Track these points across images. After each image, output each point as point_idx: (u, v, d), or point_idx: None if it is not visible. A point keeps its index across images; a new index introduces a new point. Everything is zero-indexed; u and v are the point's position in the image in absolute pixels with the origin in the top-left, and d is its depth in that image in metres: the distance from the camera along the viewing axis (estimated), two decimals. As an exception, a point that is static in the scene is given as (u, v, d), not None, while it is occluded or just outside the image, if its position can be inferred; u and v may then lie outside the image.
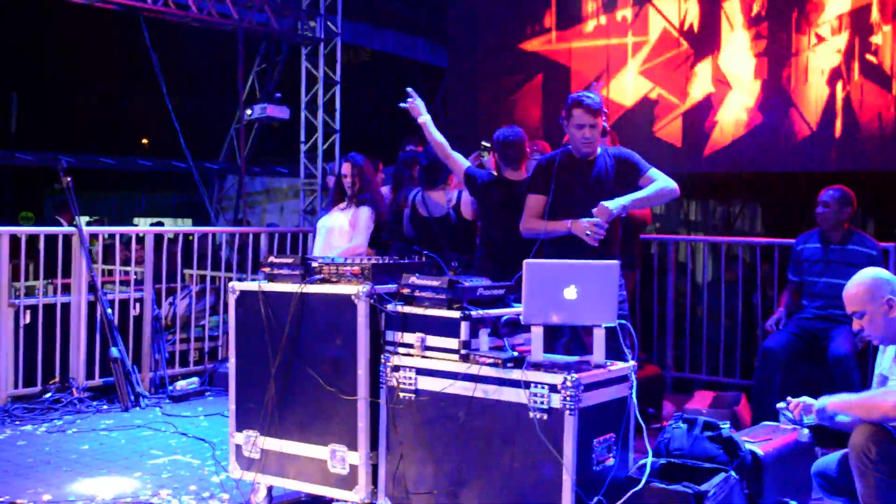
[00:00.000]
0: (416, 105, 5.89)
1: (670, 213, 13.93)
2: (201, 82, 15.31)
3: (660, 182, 5.00)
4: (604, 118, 5.03)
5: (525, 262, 4.04)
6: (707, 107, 10.11)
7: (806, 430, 4.09)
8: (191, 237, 8.45)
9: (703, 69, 10.11)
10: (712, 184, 11.68)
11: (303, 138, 12.72)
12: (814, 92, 9.45)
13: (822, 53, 9.40)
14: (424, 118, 5.88)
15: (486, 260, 5.74)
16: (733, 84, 9.91)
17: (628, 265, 6.14)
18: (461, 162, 5.93)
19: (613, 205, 4.84)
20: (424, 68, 16.43)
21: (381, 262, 4.71)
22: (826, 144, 9.45)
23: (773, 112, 9.68)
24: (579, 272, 4.03)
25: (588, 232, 4.84)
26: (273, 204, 17.48)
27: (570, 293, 3.99)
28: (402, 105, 5.93)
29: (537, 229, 5.08)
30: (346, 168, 6.74)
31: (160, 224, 17.53)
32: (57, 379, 7.22)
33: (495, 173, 5.85)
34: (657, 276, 7.98)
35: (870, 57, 9.12)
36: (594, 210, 4.85)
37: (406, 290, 4.39)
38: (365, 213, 6.67)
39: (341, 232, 6.68)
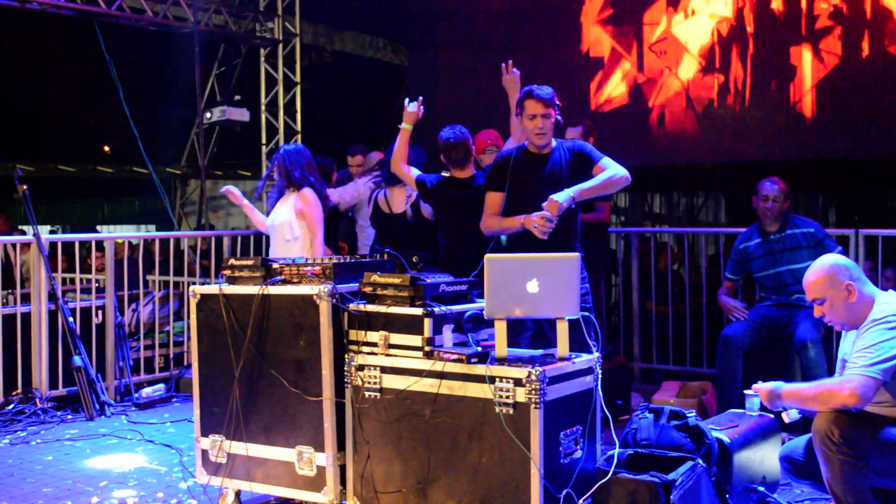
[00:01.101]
0: (416, 113, 6.00)
1: (634, 205, 14.02)
2: (160, 87, 15.17)
3: (610, 170, 5.01)
4: (556, 111, 5.05)
5: (486, 256, 4.03)
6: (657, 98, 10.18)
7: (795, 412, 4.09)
8: (152, 242, 8.37)
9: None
10: (675, 176, 11.74)
11: (264, 140, 12.66)
12: (773, 75, 9.52)
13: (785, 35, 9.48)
14: (406, 128, 6.02)
15: (446, 261, 5.75)
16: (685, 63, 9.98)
17: (595, 267, 6.17)
18: (412, 173, 6.08)
19: (562, 196, 4.83)
20: (386, 68, 16.38)
21: (342, 261, 4.69)
22: (788, 133, 9.52)
23: (729, 101, 9.75)
24: (540, 265, 4.03)
25: (536, 225, 4.84)
26: (237, 207, 17.36)
27: (533, 286, 3.98)
28: (406, 103, 6.02)
29: (494, 227, 5.09)
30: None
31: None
32: (19, 390, 7.13)
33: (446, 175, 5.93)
34: (622, 268, 8.00)
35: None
36: (544, 204, 4.85)
37: (368, 289, 4.38)
38: (309, 196, 6.45)
39: (290, 227, 6.51)
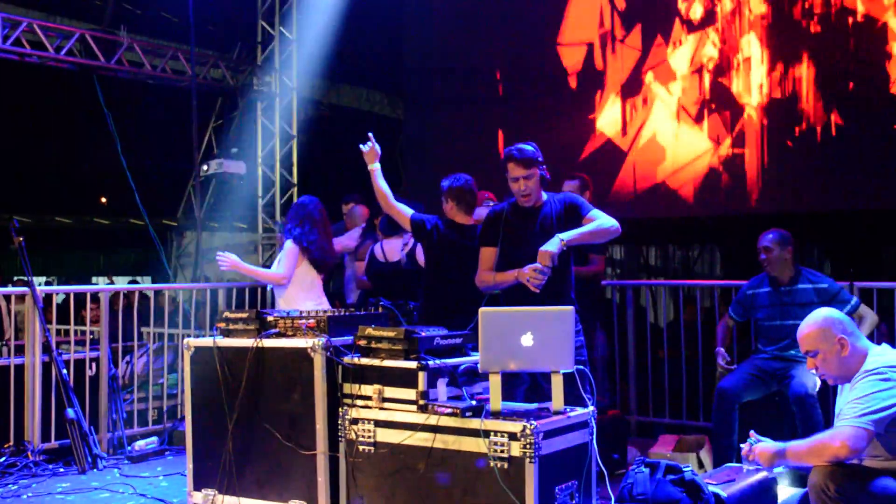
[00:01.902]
0: (374, 151, 5.89)
1: (630, 258, 14.03)
2: (158, 139, 15.27)
3: (600, 220, 5.01)
4: (540, 168, 5.05)
5: (481, 310, 4.04)
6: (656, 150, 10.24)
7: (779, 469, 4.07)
8: (148, 294, 8.36)
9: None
10: (671, 228, 11.77)
11: (260, 192, 12.70)
12: (769, 128, 9.58)
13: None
14: (375, 167, 5.88)
15: (428, 307, 5.66)
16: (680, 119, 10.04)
17: (590, 319, 6.15)
18: (405, 211, 5.91)
19: (552, 245, 4.79)
20: (383, 121, 16.49)
21: (336, 314, 4.69)
22: (783, 185, 9.56)
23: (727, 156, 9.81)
24: (535, 319, 4.03)
25: (528, 279, 4.82)
26: (233, 259, 17.33)
27: (527, 340, 3.98)
28: (361, 146, 5.92)
29: (489, 282, 5.07)
30: None
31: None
32: (11, 442, 7.06)
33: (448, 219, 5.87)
34: (617, 321, 7.99)
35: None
36: (538, 255, 4.83)
37: (362, 342, 4.38)
38: (287, 244, 6.59)
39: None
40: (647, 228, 11.37)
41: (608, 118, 10.55)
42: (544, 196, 5.15)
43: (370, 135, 5.93)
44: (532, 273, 4.77)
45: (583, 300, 5.42)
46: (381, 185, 5.88)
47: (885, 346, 4.00)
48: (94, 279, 21.48)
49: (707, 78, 9.93)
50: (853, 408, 3.75)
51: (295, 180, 12.65)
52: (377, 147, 5.89)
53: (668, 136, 10.16)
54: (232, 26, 13.27)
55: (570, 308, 4.18)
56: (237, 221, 16.70)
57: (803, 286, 6.13)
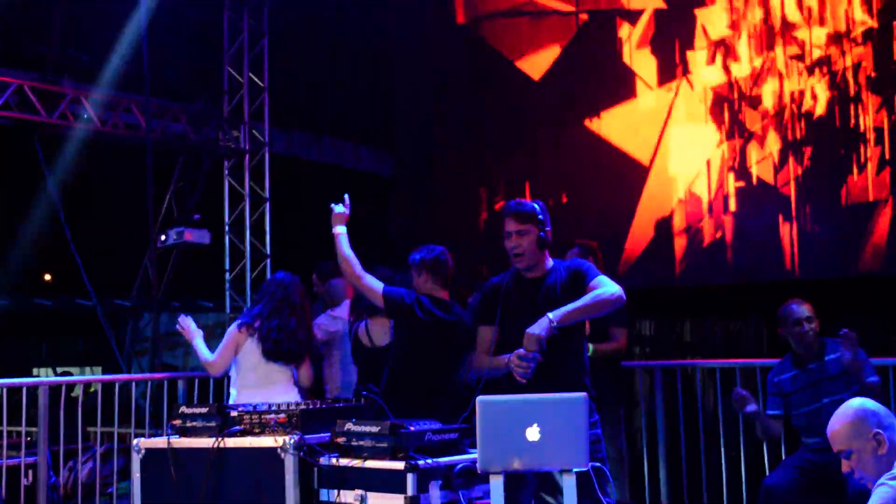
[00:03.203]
0: (342, 214, 6.00)
1: (661, 334, 14.01)
2: (109, 205, 15.34)
3: (600, 289, 4.95)
4: (539, 227, 5.06)
5: (478, 399, 4.04)
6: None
7: None
8: (92, 388, 8.35)
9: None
10: (706, 299, 11.78)
11: (227, 265, 12.71)
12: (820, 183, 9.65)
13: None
14: (340, 231, 5.98)
15: (404, 394, 5.62)
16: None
17: (611, 402, 6.16)
18: (374, 285, 5.93)
19: (540, 327, 4.72)
20: (370, 181, 16.59)
21: (311, 407, 4.69)
22: (832, 248, 9.58)
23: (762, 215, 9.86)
24: (542, 408, 4.03)
25: (513, 367, 4.74)
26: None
27: (533, 433, 3.98)
28: (332, 206, 6.02)
29: (485, 367, 5.03)
30: None
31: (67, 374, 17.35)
32: (-67, 566, 7.04)
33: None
34: (645, 409, 7.98)
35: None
36: (524, 339, 4.76)
37: (341, 440, 4.37)
38: (230, 328, 6.75)
39: None
40: (679, 298, 11.39)
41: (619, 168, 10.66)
42: (550, 263, 5.17)
43: (346, 196, 6.02)
44: (516, 360, 4.73)
45: (601, 384, 5.42)
46: (346, 252, 5.95)
47: None
48: (34, 370, 21.45)
49: (748, 142, 10.03)
50: None
51: (268, 250, 12.68)
52: (346, 212, 6.00)
53: (708, 197, 10.22)
54: (193, 74, 13.40)
55: (583, 394, 4.18)
56: (201, 300, 16.73)
57: (830, 357, 6.18)
